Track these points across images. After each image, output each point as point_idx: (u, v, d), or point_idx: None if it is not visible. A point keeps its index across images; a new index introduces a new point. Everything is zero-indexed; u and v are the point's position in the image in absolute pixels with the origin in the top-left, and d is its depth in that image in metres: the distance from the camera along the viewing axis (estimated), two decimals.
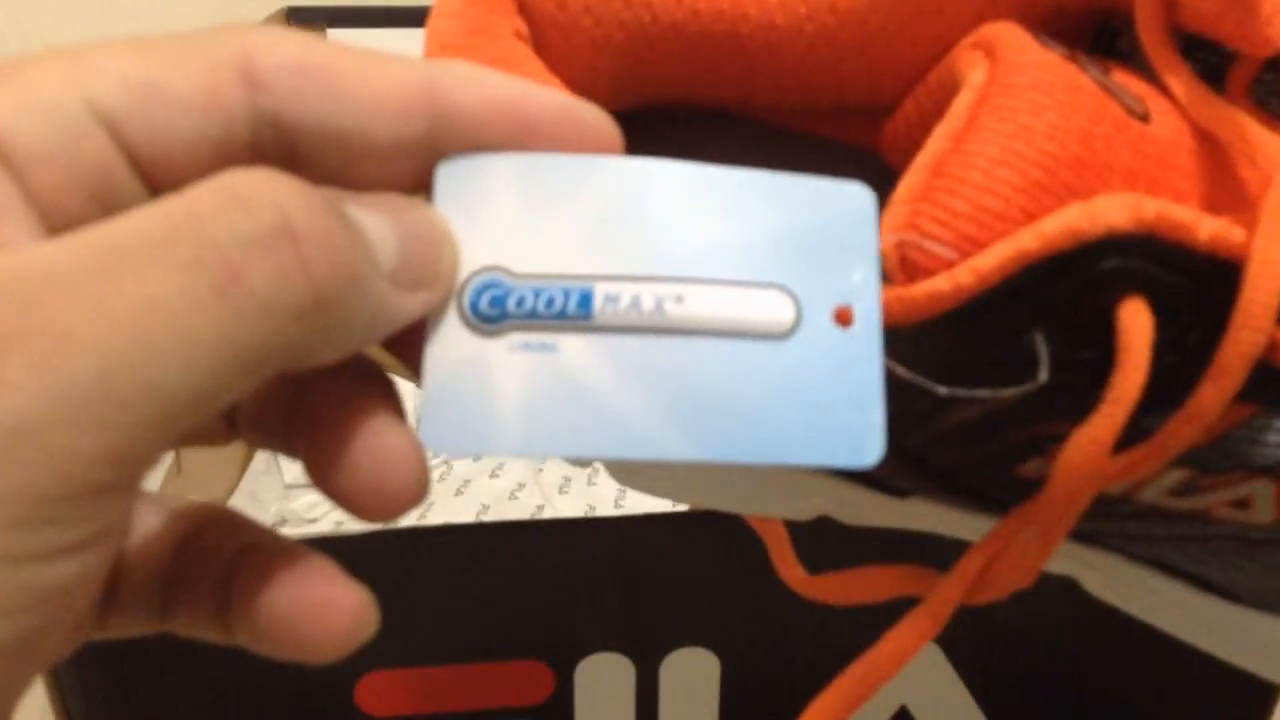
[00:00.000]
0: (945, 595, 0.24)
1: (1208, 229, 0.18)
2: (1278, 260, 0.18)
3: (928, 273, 0.19)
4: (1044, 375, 0.19)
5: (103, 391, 0.14)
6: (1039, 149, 0.19)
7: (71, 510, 0.15)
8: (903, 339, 0.19)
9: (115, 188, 0.17)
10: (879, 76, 0.25)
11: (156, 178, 0.17)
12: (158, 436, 0.15)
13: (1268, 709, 0.50)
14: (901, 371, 0.20)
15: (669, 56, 0.25)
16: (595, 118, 0.19)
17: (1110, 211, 0.18)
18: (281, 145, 0.18)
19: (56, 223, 0.16)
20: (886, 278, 0.20)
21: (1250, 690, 0.47)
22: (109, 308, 0.15)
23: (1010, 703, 0.50)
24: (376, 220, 0.17)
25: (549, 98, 0.19)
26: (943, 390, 0.20)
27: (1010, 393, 0.20)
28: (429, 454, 0.18)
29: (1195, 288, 0.19)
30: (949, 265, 0.19)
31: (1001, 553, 0.23)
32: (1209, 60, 0.22)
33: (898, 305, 0.20)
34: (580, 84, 0.24)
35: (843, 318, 0.19)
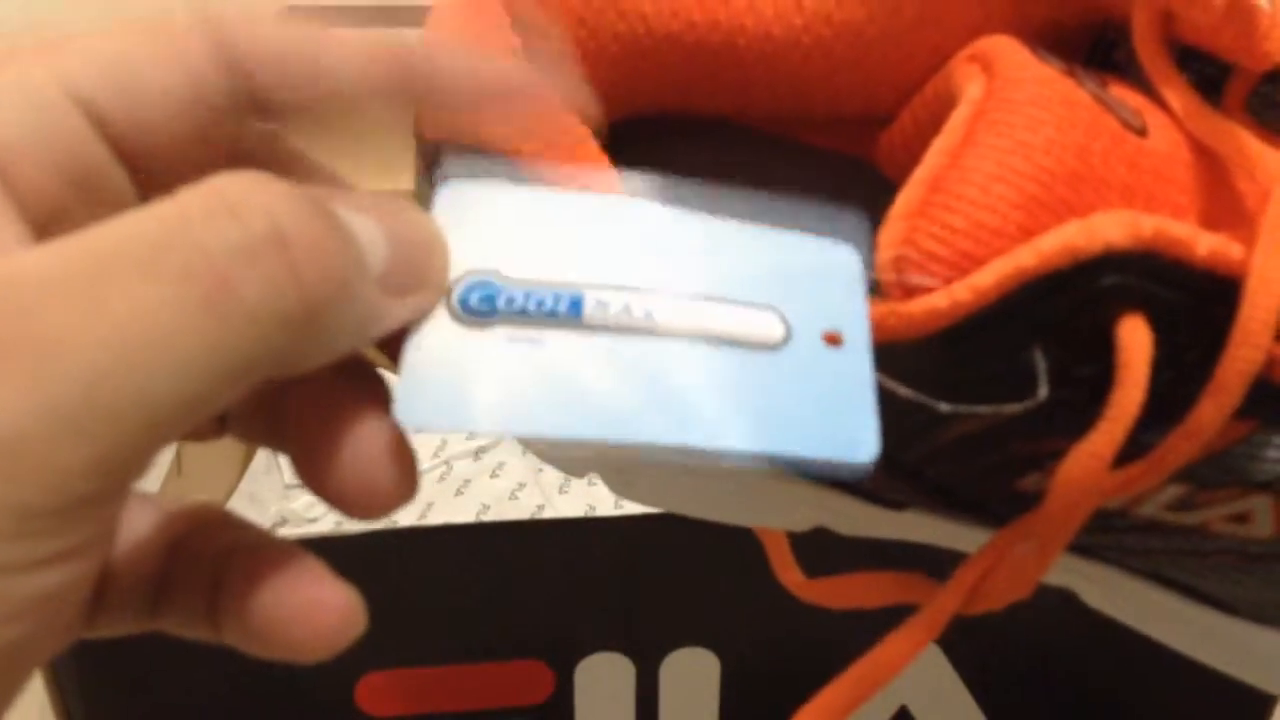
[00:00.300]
0: (942, 605, 0.24)
1: (1206, 245, 0.18)
2: (1276, 277, 0.18)
3: (925, 289, 0.19)
4: (1043, 392, 0.19)
5: (91, 404, 0.14)
6: (1036, 165, 0.19)
7: (58, 522, 0.15)
8: (900, 355, 0.19)
9: (94, 170, 0.17)
10: (875, 88, 0.25)
11: (134, 150, 0.17)
12: (145, 446, 0.15)
13: (1268, 710, 0.50)
14: (899, 388, 0.20)
15: (664, 68, 0.25)
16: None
17: (1108, 229, 0.18)
18: (255, 97, 0.18)
19: (38, 213, 0.16)
20: (884, 293, 0.20)
21: (1251, 694, 0.47)
22: (99, 318, 0.14)
23: (1010, 703, 0.50)
24: (367, 223, 0.17)
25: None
26: (944, 407, 0.20)
27: (1011, 409, 0.20)
28: (422, 455, 0.18)
29: (1194, 304, 0.19)
30: (946, 283, 0.19)
31: (998, 564, 0.23)
32: (1204, 71, 0.22)
33: (895, 321, 0.20)
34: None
35: (832, 340, 0.19)
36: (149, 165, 0.17)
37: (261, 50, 0.17)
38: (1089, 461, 0.19)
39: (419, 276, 0.18)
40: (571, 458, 0.32)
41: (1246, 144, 0.20)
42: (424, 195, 0.26)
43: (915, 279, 0.19)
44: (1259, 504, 0.22)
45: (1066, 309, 0.19)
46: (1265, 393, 0.19)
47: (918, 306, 0.19)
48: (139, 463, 0.15)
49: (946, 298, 0.19)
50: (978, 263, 0.19)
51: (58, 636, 0.17)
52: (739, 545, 0.45)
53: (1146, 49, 0.21)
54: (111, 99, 0.17)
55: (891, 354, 0.19)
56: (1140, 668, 0.49)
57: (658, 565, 0.47)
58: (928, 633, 0.24)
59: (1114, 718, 0.50)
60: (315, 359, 0.17)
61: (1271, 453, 0.21)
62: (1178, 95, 0.21)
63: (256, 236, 0.15)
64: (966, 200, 0.19)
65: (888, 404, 0.19)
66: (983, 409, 0.20)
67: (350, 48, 0.18)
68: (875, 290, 0.20)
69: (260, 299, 0.15)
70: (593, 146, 0.22)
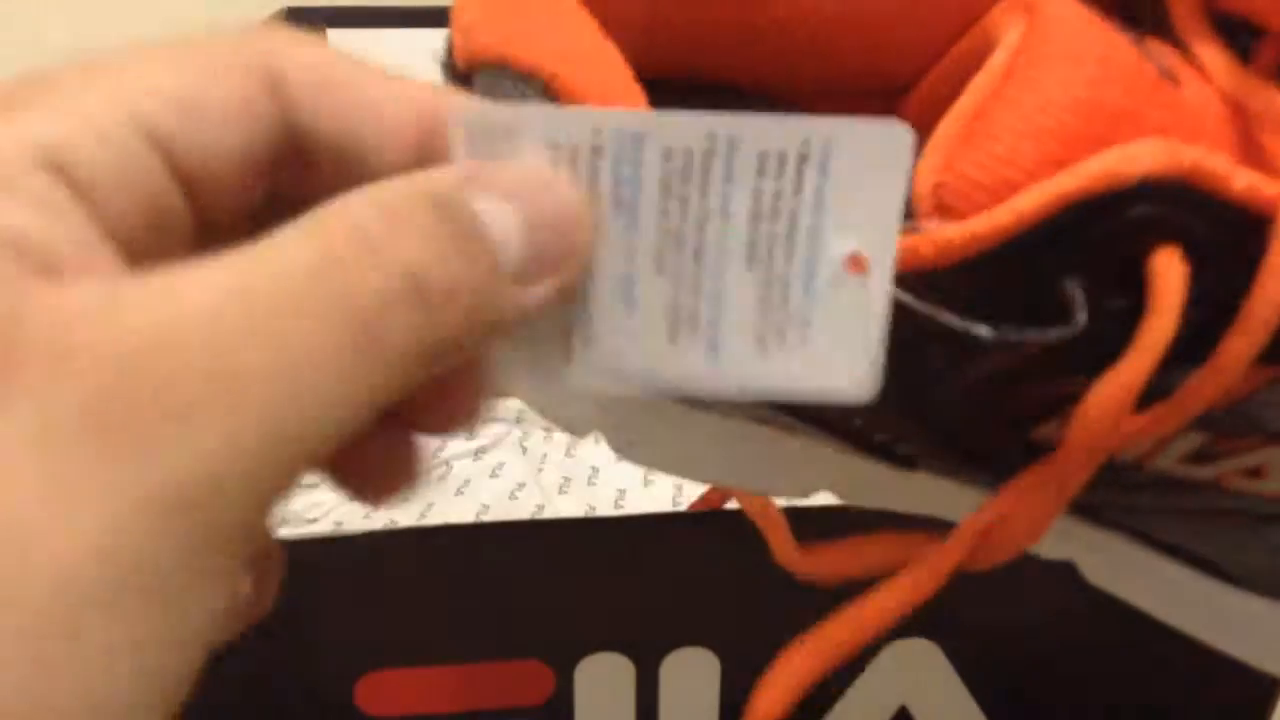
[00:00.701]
0: (947, 553, 0.24)
1: (1243, 180, 0.19)
2: None
3: (964, 216, 0.20)
4: (1082, 319, 0.20)
5: (270, 443, 0.15)
6: (1077, 99, 0.19)
7: (232, 549, 0.15)
8: (937, 282, 0.20)
9: (166, 205, 0.17)
10: (899, 52, 0.25)
11: (194, 187, 0.17)
12: (297, 478, 0.16)
13: (1268, 711, 0.50)
14: (939, 314, 0.20)
15: (691, 20, 0.25)
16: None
17: (1148, 156, 0.19)
18: (296, 149, 0.18)
19: (124, 248, 0.16)
20: (922, 223, 0.20)
21: (1250, 692, 0.47)
22: (267, 364, 0.15)
23: (1010, 703, 0.50)
24: (505, 215, 0.18)
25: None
26: (984, 330, 0.20)
27: (1052, 335, 0.20)
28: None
29: (1227, 240, 0.19)
30: (985, 210, 0.20)
31: (1012, 511, 0.23)
32: (1234, 45, 0.22)
33: (932, 248, 0.20)
34: (615, 39, 0.24)
35: (856, 265, 0.19)
36: (202, 187, 0.18)
37: (305, 76, 0.18)
38: (1116, 392, 0.20)
39: (555, 261, 0.18)
40: (575, 415, 0.32)
41: (1277, 100, 0.21)
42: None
43: (954, 206, 0.20)
44: (1276, 457, 0.23)
45: (1102, 236, 0.19)
46: None
47: (956, 232, 0.19)
48: (290, 491, 0.16)
49: (986, 222, 0.19)
50: (1016, 190, 0.19)
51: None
52: (739, 545, 0.45)
53: (1180, 6, 0.22)
54: (177, 130, 0.17)
55: (928, 282, 0.20)
56: (1141, 669, 0.49)
57: (658, 565, 0.47)
58: (931, 581, 0.24)
59: (1114, 718, 0.50)
60: (447, 370, 0.18)
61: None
62: (1211, 51, 0.21)
63: (396, 287, 0.16)
64: (1009, 129, 0.19)
65: (914, 339, 0.20)
66: (1031, 334, 0.20)
67: (387, 85, 0.18)
68: (911, 217, 0.20)
69: (405, 344, 0.16)
70: (625, 71, 0.22)
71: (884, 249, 0.19)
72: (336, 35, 0.77)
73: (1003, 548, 0.24)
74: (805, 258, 0.19)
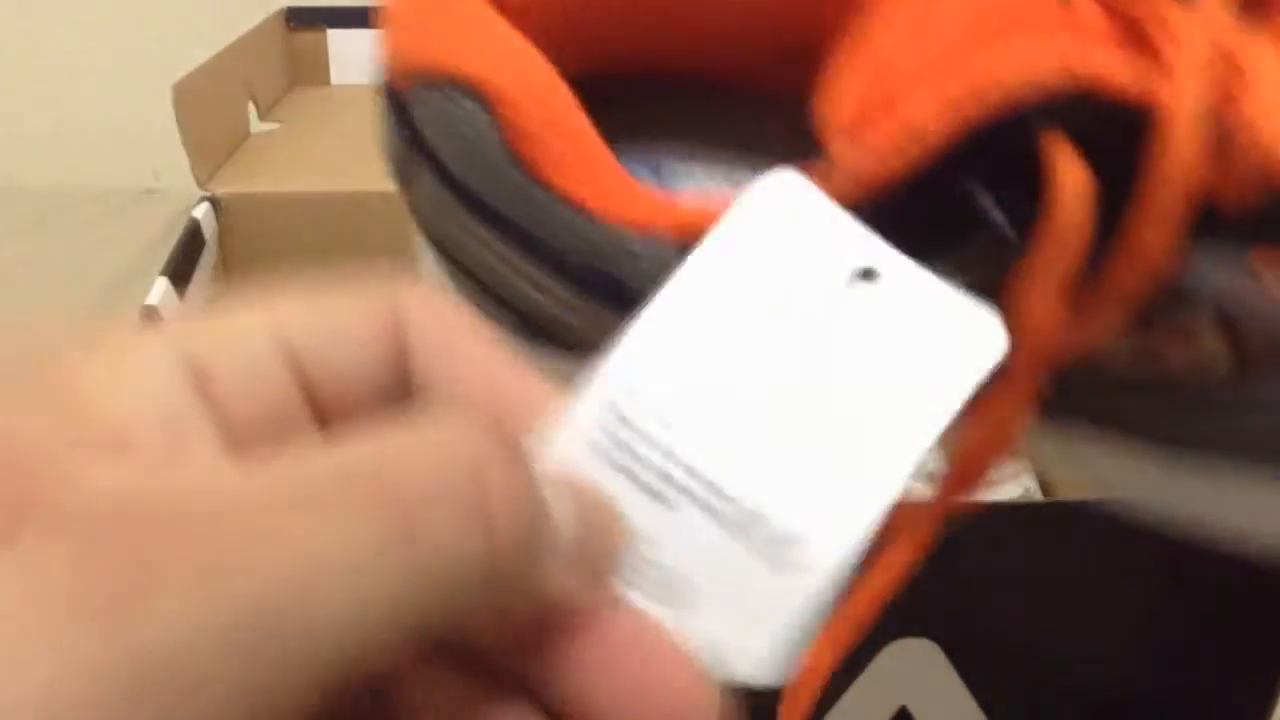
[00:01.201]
0: (945, 488, 0.24)
1: (1129, 74, 0.20)
2: (1194, 92, 0.20)
3: (865, 138, 0.21)
4: (999, 218, 0.21)
5: (254, 624, 0.14)
6: (959, 14, 0.21)
7: None
8: (864, 221, 0.21)
9: (291, 421, 0.18)
10: (809, 12, 0.26)
11: (316, 400, 0.18)
12: (304, 682, 0.14)
13: (1268, 711, 0.49)
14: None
15: (620, 13, 0.26)
16: None
17: (1036, 59, 0.20)
18: (404, 386, 0.19)
19: (235, 441, 0.17)
20: (837, 166, 0.21)
21: (1251, 693, 0.46)
22: (275, 543, 0.14)
23: (1010, 703, 0.50)
24: (561, 492, 0.17)
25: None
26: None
27: (972, 245, 0.21)
28: None
29: (1120, 132, 0.20)
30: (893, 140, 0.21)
31: (979, 431, 0.24)
32: None
33: (853, 186, 0.21)
34: (534, 43, 0.25)
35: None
36: (329, 409, 0.18)
37: (425, 328, 0.19)
38: (1039, 281, 0.20)
39: (596, 565, 0.18)
40: None
41: (1163, 7, 0.22)
42: (393, 148, 0.27)
43: (853, 131, 0.20)
44: (1204, 327, 0.23)
45: (1002, 143, 0.20)
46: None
47: (869, 166, 0.20)
48: (296, 699, 0.14)
49: (894, 151, 0.20)
50: (906, 98, 0.20)
51: None
52: None
53: None
54: (313, 350, 0.18)
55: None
56: (1141, 670, 0.48)
57: None
58: (929, 525, 0.24)
59: (1114, 718, 0.50)
60: (484, 624, 0.17)
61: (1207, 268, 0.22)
62: None
63: (457, 478, 0.15)
64: (889, 46, 0.20)
65: None
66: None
67: (497, 366, 0.19)
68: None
69: (450, 550, 0.15)
70: (552, 73, 0.23)
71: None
72: (336, 35, 0.77)
73: (980, 466, 0.24)
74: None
